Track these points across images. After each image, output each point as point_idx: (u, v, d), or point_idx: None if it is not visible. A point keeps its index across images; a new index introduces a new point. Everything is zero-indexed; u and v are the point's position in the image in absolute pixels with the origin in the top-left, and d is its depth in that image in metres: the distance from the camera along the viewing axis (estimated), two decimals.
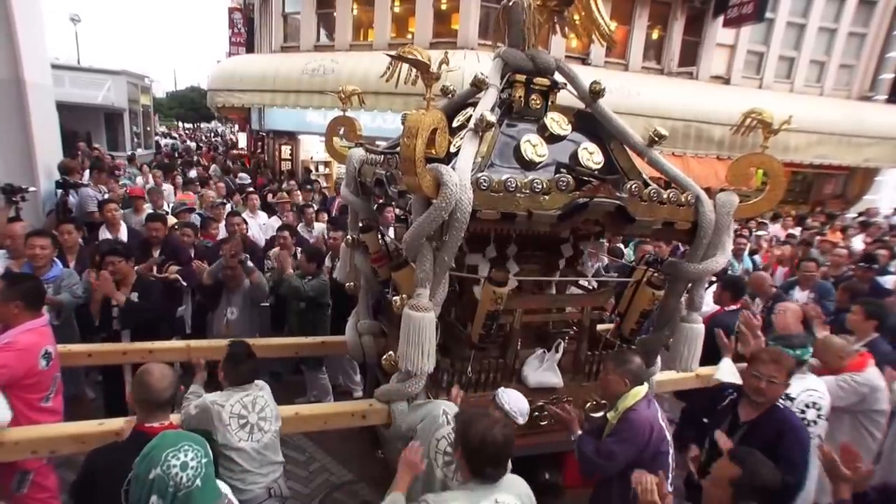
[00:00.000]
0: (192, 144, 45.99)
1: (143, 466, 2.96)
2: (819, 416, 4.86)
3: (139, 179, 15.10)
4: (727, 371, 4.98)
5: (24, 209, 8.47)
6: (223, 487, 3.26)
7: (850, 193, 24.31)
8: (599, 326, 5.72)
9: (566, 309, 5.27)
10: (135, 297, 6.14)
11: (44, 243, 6.17)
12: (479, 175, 3.84)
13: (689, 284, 4.87)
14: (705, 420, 4.77)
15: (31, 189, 8.86)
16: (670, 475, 4.19)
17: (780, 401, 4.43)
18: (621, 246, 10.82)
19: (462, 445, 3.20)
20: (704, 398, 5.46)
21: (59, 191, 9.74)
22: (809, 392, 4.83)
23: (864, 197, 23.76)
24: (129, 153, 24.37)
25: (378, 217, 6.02)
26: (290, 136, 23.52)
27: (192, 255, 8.16)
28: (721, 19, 19.71)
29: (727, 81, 21.09)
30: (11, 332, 4.47)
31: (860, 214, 19.95)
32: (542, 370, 4.94)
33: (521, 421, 4.22)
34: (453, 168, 3.77)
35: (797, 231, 15.50)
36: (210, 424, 4.19)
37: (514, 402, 4.23)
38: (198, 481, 2.97)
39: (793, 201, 23.59)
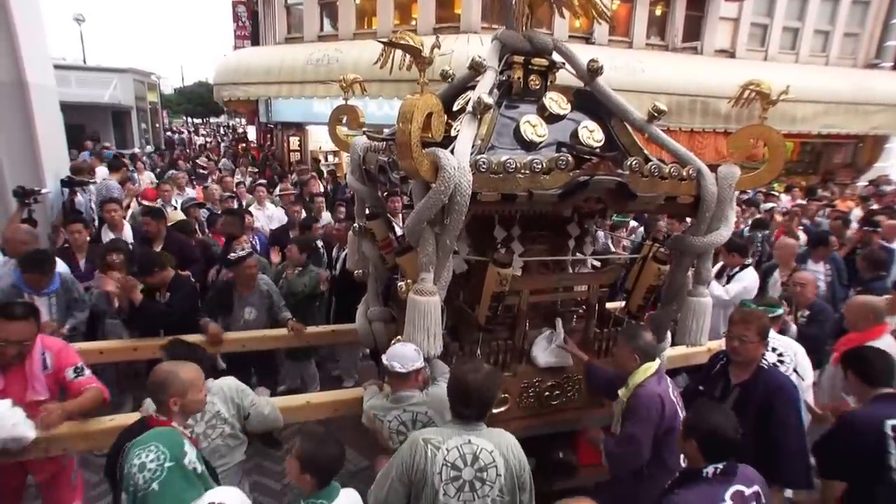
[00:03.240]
0: (199, 139, 46.15)
1: (125, 459, 3.02)
2: (781, 362, 5.01)
3: (135, 176, 15.17)
4: None
5: (35, 211, 8.52)
6: (218, 496, 3.09)
7: (861, 162, 24.25)
8: (609, 304, 5.74)
9: (574, 288, 5.28)
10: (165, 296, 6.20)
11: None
12: (478, 157, 3.84)
13: (696, 258, 4.87)
14: (701, 388, 4.83)
15: (44, 191, 8.91)
16: None
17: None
18: (634, 223, 10.83)
19: (448, 386, 3.65)
20: None
21: (65, 189, 9.77)
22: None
23: (875, 165, 23.65)
24: (131, 152, 24.48)
25: (385, 204, 6.01)
26: (298, 127, 23.71)
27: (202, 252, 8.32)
28: None
29: (732, 55, 21.05)
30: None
31: (870, 183, 19.83)
32: (551, 350, 4.96)
33: (400, 370, 4.17)
34: (452, 152, 3.77)
35: (805, 202, 15.37)
36: None
37: (397, 358, 4.17)
38: (154, 485, 2.93)
39: (802, 172, 23.54)
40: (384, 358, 4.26)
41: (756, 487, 3.36)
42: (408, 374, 4.15)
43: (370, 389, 4.71)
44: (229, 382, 4.43)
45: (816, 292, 6.51)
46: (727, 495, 3.25)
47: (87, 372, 4.58)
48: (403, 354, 4.19)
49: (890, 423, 3.96)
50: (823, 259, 8.56)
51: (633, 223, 10.88)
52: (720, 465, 3.30)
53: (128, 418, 4.34)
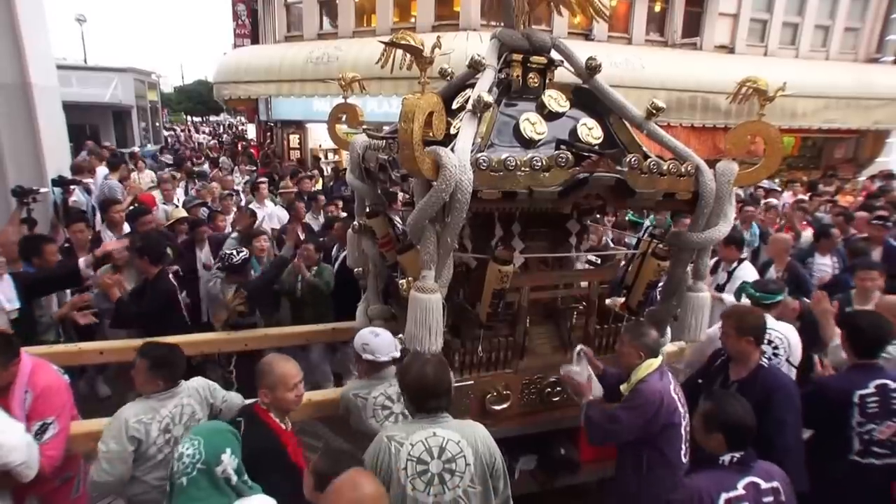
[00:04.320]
0: (200, 137, 46.26)
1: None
2: (776, 354, 5.14)
3: (134, 175, 15.18)
4: None
5: (35, 210, 8.54)
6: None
7: (862, 157, 24.24)
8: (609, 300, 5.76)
9: (574, 284, 5.31)
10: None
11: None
12: (479, 155, 3.87)
13: (695, 254, 4.89)
14: (700, 381, 4.87)
15: (43, 190, 8.91)
16: (684, 447, 4.25)
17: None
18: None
19: (403, 388, 3.67)
20: None
21: (57, 189, 9.78)
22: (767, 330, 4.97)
23: (877, 160, 23.64)
24: (130, 151, 24.52)
25: (384, 202, 6.02)
26: (298, 125, 23.69)
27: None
28: None
29: (731, 50, 21.07)
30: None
31: (873, 178, 19.84)
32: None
33: (397, 354, 4.46)
34: (452, 150, 3.80)
35: (807, 197, 15.33)
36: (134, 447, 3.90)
37: (378, 349, 4.42)
38: (183, 479, 2.99)
39: (804, 167, 23.56)
40: (363, 352, 4.46)
41: (776, 483, 3.41)
42: (388, 362, 4.41)
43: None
44: (200, 382, 4.39)
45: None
46: (740, 484, 3.32)
47: (49, 433, 4.08)
48: (382, 344, 4.43)
49: (859, 392, 4.35)
50: (829, 251, 8.58)
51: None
52: (737, 455, 3.38)
53: None
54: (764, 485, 3.37)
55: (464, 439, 3.47)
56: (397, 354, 4.42)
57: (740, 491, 3.30)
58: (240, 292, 6.41)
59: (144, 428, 3.89)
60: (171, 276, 6.55)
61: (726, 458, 3.39)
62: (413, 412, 3.64)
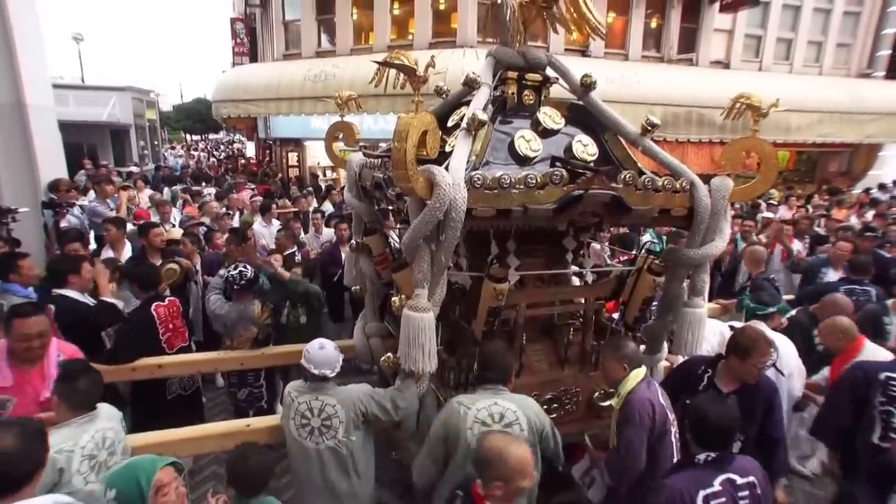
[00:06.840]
0: (200, 155, 46.38)
1: None
2: None
3: (134, 193, 15.13)
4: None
5: (19, 231, 8.46)
6: None
7: (856, 170, 24.54)
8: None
9: (570, 300, 5.31)
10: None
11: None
12: (473, 173, 3.85)
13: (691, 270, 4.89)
14: (688, 402, 4.87)
15: (23, 209, 8.83)
16: (676, 455, 4.26)
17: None
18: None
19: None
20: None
21: (47, 211, 9.75)
22: None
23: (870, 173, 23.92)
24: (128, 170, 24.52)
25: (381, 220, 6.01)
26: (297, 143, 23.81)
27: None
28: (717, 5, 20.02)
29: (727, 66, 21.24)
30: None
31: (866, 190, 19.93)
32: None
33: (329, 373, 4.47)
34: (447, 168, 3.80)
35: (806, 211, 15.37)
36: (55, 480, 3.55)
37: (312, 361, 4.45)
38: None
39: (799, 180, 23.73)
40: (302, 356, 4.53)
41: (751, 478, 3.58)
42: (318, 377, 4.44)
43: None
44: (108, 410, 4.10)
45: None
46: (717, 481, 3.49)
47: None
48: (319, 359, 4.46)
49: (885, 373, 4.84)
50: (841, 266, 8.59)
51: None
52: (713, 454, 3.56)
53: (134, 439, 4.35)
54: (740, 480, 3.53)
55: (519, 409, 4.11)
56: (329, 374, 4.44)
57: (717, 487, 3.46)
58: (266, 306, 6.37)
59: (66, 457, 3.58)
60: (157, 306, 6.16)
61: (702, 457, 3.58)
62: (478, 380, 4.33)
